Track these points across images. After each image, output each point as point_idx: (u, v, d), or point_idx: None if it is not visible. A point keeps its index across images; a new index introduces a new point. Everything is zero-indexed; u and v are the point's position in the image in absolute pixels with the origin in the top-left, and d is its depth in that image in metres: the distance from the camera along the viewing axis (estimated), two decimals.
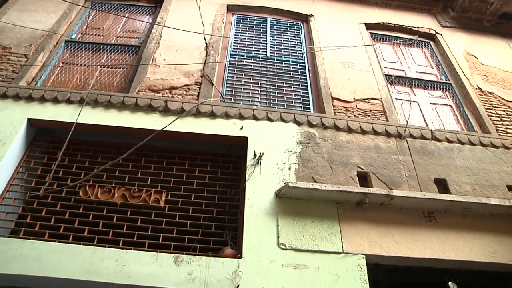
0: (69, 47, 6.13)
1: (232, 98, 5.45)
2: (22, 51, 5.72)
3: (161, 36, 6.17)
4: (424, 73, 6.70)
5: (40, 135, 4.82)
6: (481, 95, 6.20)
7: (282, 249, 3.72)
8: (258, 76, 5.85)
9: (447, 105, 6.17)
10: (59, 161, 4.40)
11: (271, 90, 5.68)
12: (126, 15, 6.81)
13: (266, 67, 6.04)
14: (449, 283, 3.86)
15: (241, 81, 5.74)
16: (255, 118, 4.82)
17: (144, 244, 3.86)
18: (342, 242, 3.82)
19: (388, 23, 7.42)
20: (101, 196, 4.29)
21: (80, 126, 4.60)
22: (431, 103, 6.12)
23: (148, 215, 4.14)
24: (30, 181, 4.42)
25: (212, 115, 4.81)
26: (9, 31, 6.03)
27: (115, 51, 6.11)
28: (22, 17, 6.32)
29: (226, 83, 5.65)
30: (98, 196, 4.29)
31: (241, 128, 4.69)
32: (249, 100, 5.46)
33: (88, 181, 4.35)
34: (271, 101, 5.50)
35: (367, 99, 5.62)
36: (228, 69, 5.88)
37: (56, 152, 4.52)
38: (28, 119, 4.63)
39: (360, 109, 5.45)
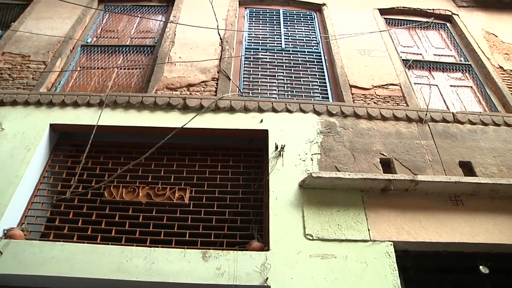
0: (85, 51, 6.20)
1: (250, 91, 5.44)
2: (41, 58, 5.81)
3: (175, 35, 6.19)
4: (442, 55, 6.59)
5: (63, 139, 4.89)
6: (503, 74, 6.06)
7: (309, 239, 3.71)
8: (275, 69, 5.83)
9: (467, 86, 6.05)
10: (83, 164, 4.47)
11: (289, 81, 5.65)
12: (139, 16, 6.85)
13: (282, 59, 6.01)
14: (480, 267, 3.79)
15: (258, 74, 5.73)
16: (274, 110, 4.80)
17: (171, 242, 3.90)
18: (369, 230, 3.80)
19: (402, 7, 7.29)
20: (126, 196, 4.34)
21: (101, 128, 4.66)
22: (451, 86, 6.02)
23: (173, 213, 4.18)
24: (56, 185, 4.51)
25: (231, 109, 4.81)
26: (27, 40, 6.13)
27: (131, 52, 6.16)
28: (38, 25, 6.42)
29: (243, 77, 5.65)
30: (123, 196, 4.34)
31: (261, 121, 4.69)
32: (267, 93, 5.45)
33: (112, 182, 4.40)
34: (289, 93, 5.48)
35: (385, 85, 5.56)
36: (244, 63, 5.88)
37: (79, 155, 4.59)
38: (51, 124, 4.72)
39: (379, 96, 5.39)
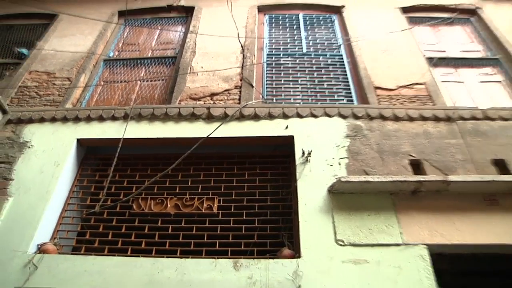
0: (108, 66, 6.35)
1: (274, 98, 5.47)
2: (65, 75, 5.99)
3: (195, 45, 6.27)
4: (468, 51, 6.47)
5: (90, 153, 5.01)
6: None
7: (341, 245, 3.69)
8: (297, 73, 5.85)
9: (496, 81, 5.92)
10: (110, 177, 4.58)
11: (312, 86, 5.66)
12: (159, 28, 6.97)
13: (304, 64, 6.02)
14: None
15: (281, 80, 5.76)
16: (299, 115, 4.80)
17: (201, 252, 3.94)
18: (401, 234, 3.75)
19: (424, 4, 7.19)
20: (154, 208, 4.41)
21: (127, 141, 4.76)
22: (479, 82, 5.91)
23: (202, 223, 4.22)
24: (85, 199, 4.61)
25: (255, 117, 4.84)
26: (52, 58, 6.33)
27: (153, 64, 6.27)
28: (62, 43, 6.62)
29: (266, 84, 5.69)
30: (152, 208, 4.41)
31: (286, 127, 4.69)
32: (291, 99, 5.46)
33: (140, 194, 4.49)
34: (313, 97, 5.48)
35: (410, 85, 5.49)
36: (267, 70, 5.92)
37: (107, 168, 4.70)
38: (77, 139, 4.84)
39: (404, 96, 5.33)
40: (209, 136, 4.64)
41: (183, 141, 4.71)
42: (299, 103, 5.32)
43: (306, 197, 4.03)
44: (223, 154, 4.78)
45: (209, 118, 4.87)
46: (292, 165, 4.45)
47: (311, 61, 6.08)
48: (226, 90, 5.46)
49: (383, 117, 4.83)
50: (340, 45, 6.34)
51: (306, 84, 5.70)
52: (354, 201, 3.98)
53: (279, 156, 4.72)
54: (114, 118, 4.98)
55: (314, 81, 5.73)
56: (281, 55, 6.18)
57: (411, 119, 4.82)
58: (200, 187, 4.51)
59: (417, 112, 4.88)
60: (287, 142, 4.62)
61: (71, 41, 6.64)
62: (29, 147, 4.78)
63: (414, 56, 5.99)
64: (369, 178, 3.95)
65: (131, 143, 4.79)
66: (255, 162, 4.68)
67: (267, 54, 6.19)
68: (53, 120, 5.05)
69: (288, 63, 6.03)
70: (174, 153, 4.66)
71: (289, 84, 5.69)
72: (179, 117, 4.90)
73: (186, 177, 4.60)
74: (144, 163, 4.80)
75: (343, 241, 3.70)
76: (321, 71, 5.90)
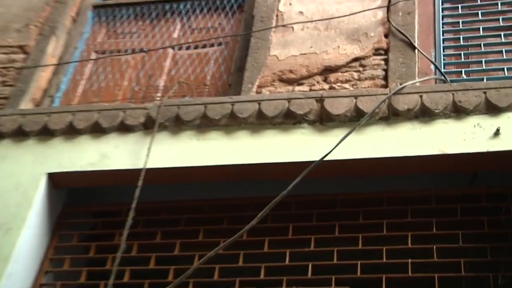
0: (101, 18, 6.74)
1: (463, 70, 5.48)
2: (15, 40, 6.39)
3: None
4: None
5: (74, 203, 5.35)
6: None
7: None
8: None
9: None
10: (122, 252, 4.58)
11: None
12: None
13: None
14: None
15: (476, 28, 5.76)
16: None
17: None
18: None
19: None
20: None
21: (155, 174, 4.88)
22: None
23: None
24: None
25: (423, 114, 4.75)
26: None
27: (197, 11, 6.54)
28: None
29: (443, 41, 5.71)
30: None
31: (497, 131, 4.56)
32: (504, 68, 5.36)
33: (185, 286, 4.60)
34: None
35: None
36: (442, 11, 5.96)
37: (114, 233, 4.94)
38: (48, 175, 5.12)
39: None
40: (325, 157, 4.57)
41: (270, 170, 4.85)
42: None
43: None
44: (357, 195, 4.88)
45: (323, 120, 4.93)
46: None
47: None
48: (355, 60, 5.53)
49: None
50: None
51: None
52: None
53: (480, 198, 4.68)
54: (123, 128, 5.18)
55: None
56: None
57: None
58: (310, 266, 4.55)
59: None
60: (498, 166, 4.59)
61: None
62: None
63: None
64: None
65: (163, 178, 5.00)
66: (428, 212, 4.68)
67: None
68: None
69: None
70: (252, 196, 4.84)
71: (494, 37, 5.68)
72: (259, 121, 4.98)
73: (280, 247, 4.69)
74: (190, 220, 4.97)
75: None
76: None
